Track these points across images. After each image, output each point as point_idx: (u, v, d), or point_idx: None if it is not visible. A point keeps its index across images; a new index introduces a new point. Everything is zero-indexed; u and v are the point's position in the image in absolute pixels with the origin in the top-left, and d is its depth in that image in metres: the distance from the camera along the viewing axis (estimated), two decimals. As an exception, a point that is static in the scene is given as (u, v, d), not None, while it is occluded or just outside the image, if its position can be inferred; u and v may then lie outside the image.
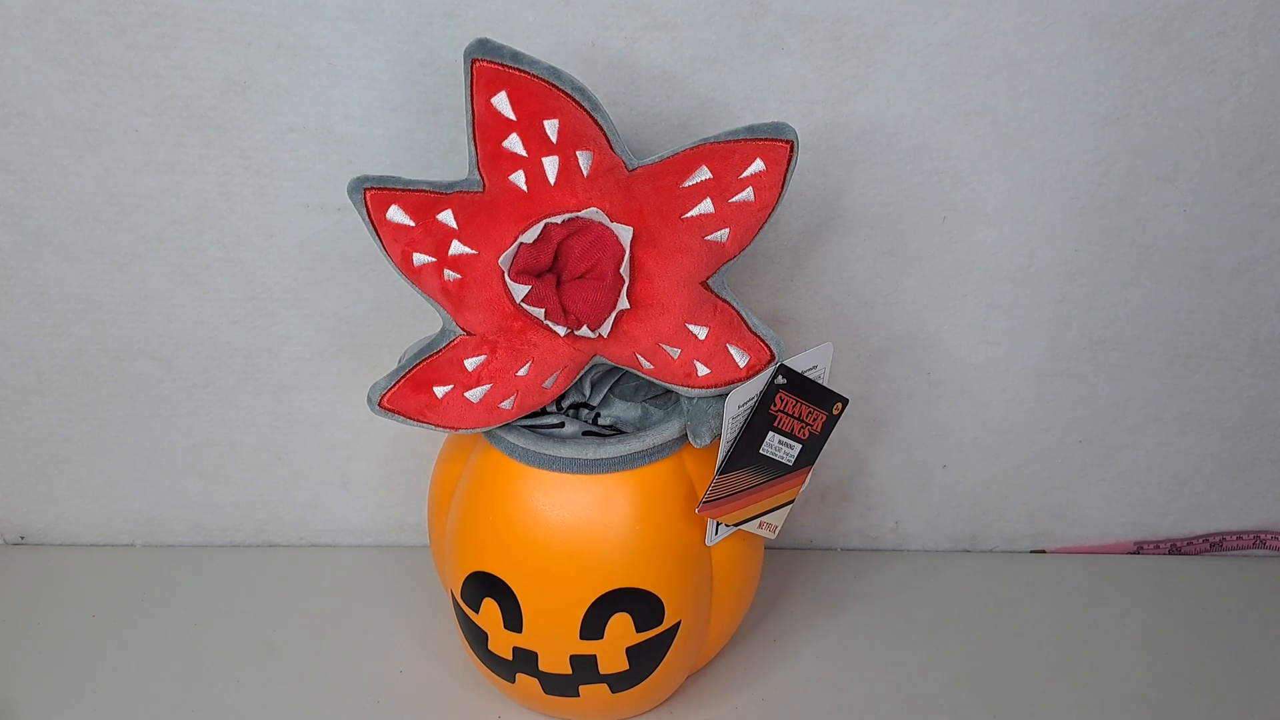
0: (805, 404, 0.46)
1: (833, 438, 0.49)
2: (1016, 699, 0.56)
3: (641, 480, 0.46)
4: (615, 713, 0.52)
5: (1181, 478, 0.65)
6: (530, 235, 0.41)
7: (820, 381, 0.46)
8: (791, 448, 0.47)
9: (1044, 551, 0.68)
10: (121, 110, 0.50)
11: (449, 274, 0.43)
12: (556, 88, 0.40)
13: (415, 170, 0.51)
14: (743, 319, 0.45)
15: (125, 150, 0.51)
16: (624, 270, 0.42)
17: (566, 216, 0.42)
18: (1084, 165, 0.53)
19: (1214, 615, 0.62)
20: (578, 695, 0.49)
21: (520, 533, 0.46)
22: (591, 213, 0.42)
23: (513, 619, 0.47)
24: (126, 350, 0.58)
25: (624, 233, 0.42)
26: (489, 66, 0.39)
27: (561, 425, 0.48)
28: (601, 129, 0.41)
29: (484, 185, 0.41)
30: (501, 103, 0.40)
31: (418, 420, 0.46)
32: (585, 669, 0.48)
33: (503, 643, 0.48)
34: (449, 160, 0.52)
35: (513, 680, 0.50)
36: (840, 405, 0.47)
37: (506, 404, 0.46)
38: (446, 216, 0.42)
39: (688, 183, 0.42)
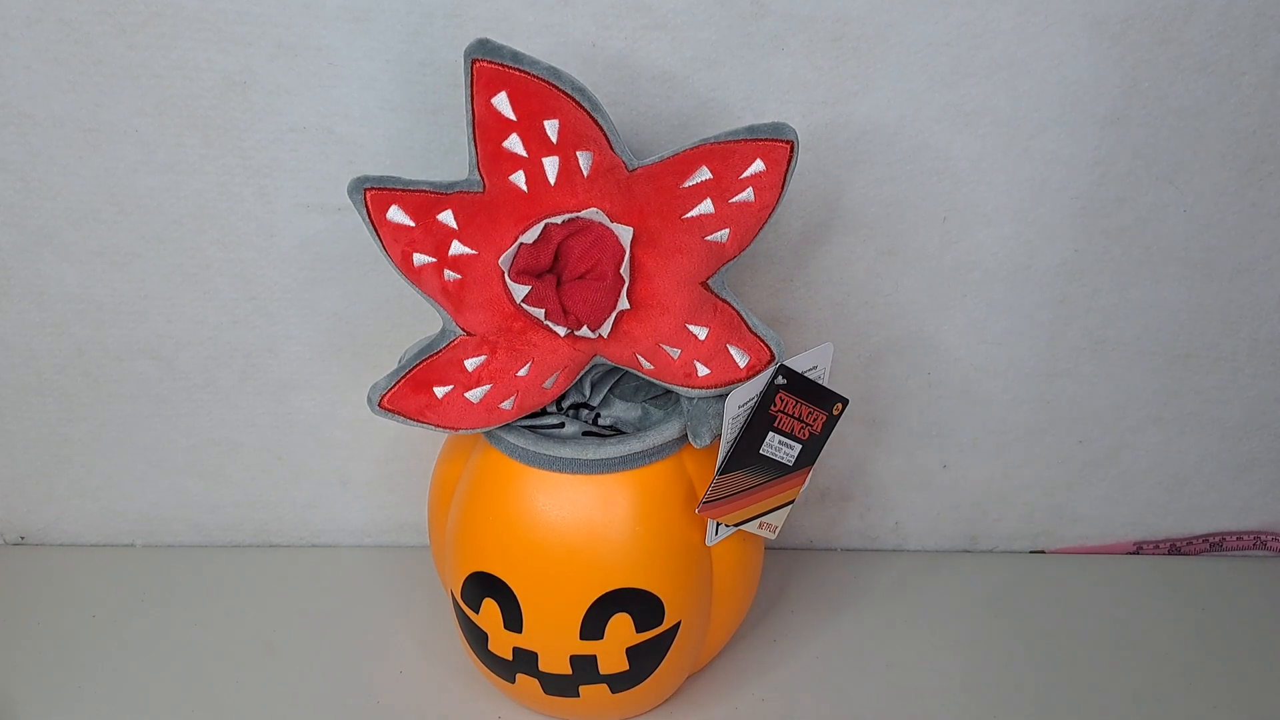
0: (805, 404, 0.46)
1: (833, 438, 0.49)
2: (1016, 699, 0.56)
3: (641, 480, 0.46)
4: (615, 713, 0.52)
5: (1181, 478, 0.65)
6: (530, 235, 0.41)
7: (820, 382, 0.46)
8: (791, 448, 0.47)
9: (1044, 552, 0.68)
10: (121, 110, 0.50)
11: (449, 274, 0.43)
12: (556, 88, 0.40)
13: (415, 170, 0.51)
14: (743, 319, 0.45)
15: (125, 150, 0.51)
16: (624, 270, 0.42)
17: (566, 217, 0.42)
18: (1084, 165, 0.53)
19: (1214, 615, 0.62)
20: (578, 695, 0.49)
21: (520, 533, 0.46)
22: (591, 213, 0.42)
23: (513, 619, 0.47)
24: (126, 350, 0.58)
25: (624, 233, 0.42)
26: (489, 67, 0.39)
27: (561, 425, 0.48)
28: (601, 129, 0.41)
29: (484, 185, 0.41)
30: (502, 103, 0.40)
31: (418, 420, 0.46)
32: (585, 669, 0.48)
33: (503, 643, 0.48)
34: (449, 160, 0.52)
35: (513, 680, 0.50)
36: (840, 405, 0.47)
37: (506, 404, 0.46)
38: (446, 217, 0.42)
39: (688, 183, 0.42)
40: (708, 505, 0.46)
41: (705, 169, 0.41)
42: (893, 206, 0.54)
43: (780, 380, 0.45)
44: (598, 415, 0.49)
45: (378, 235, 0.42)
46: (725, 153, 0.41)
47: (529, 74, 0.39)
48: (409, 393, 0.45)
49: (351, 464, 0.63)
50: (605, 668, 0.48)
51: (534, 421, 0.48)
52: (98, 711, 0.54)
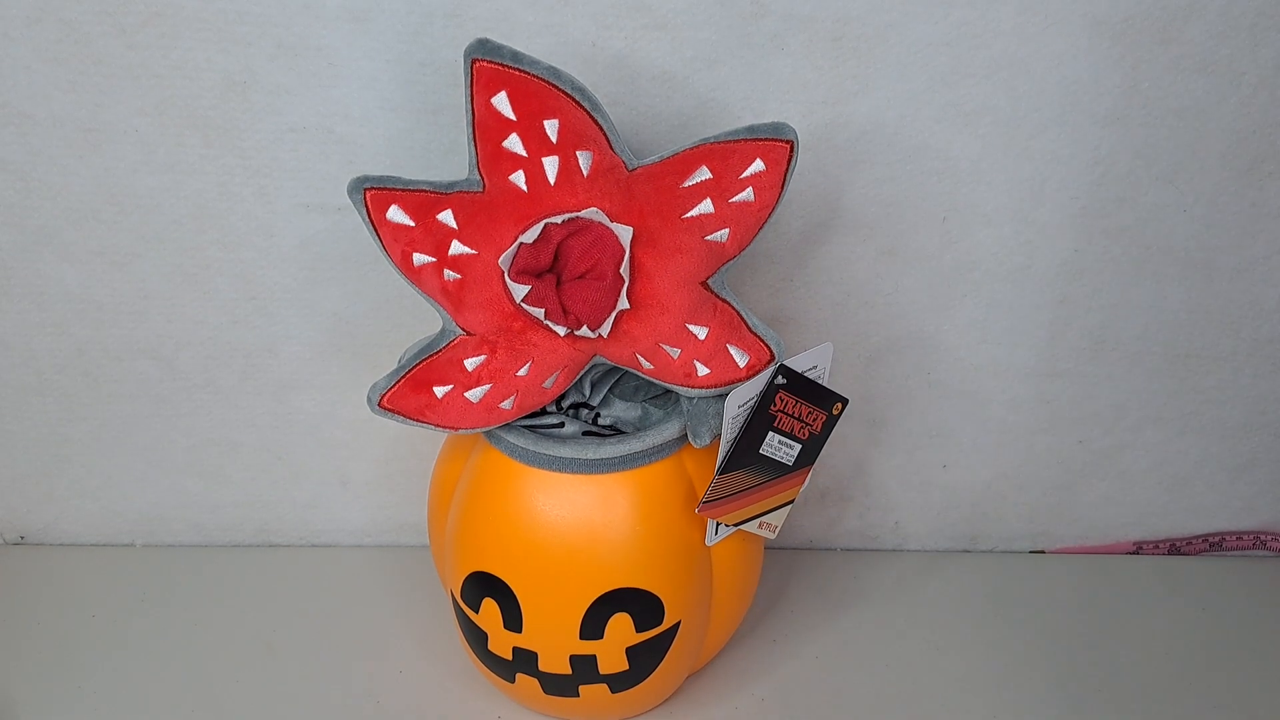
0: (805, 404, 0.46)
1: (833, 438, 0.49)
2: (1016, 699, 0.56)
3: (641, 480, 0.46)
4: (615, 713, 0.52)
5: (1181, 478, 0.65)
6: (530, 235, 0.41)
7: (820, 381, 0.46)
8: (791, 448, 0.47)
9: (1044, 552, 0.68)
10: (121, 110, 0.50)
11: (449, 274, 0.43)
12: (556, 88, 0.40)
13: (415, 170, 0.51)
14: (743, 319, 0.45)
15: (125, 150, 0.51)
16: (624, 270, 0.42)
17: (566, 216, 0.42)
18: (1084, 165, 0.53)
19: (1214, 615, 0.62)
20: (577, 695, 0.49)
21: (520, 533, 0.46)
22: (591, 213, 0.42)
23: (513, 619, 0.47)
24: (126, 350, 0.58)
25: (624, 233, 0.42)
26: (489, 66, 0.39)
27: (561, 425, 0.48)
28: (601, 129, 0.41)
29: (484, 185, 0.41)
30: (501, 103, 0.40)
31: (418, 420, 0.46)
32: (585, 669, 0.48)
33: (503, 643, 0.48)
34: (449, 160, 0.52)
35: (512, 680, 0.50)
36: (840, 405, 0.47)
37: (506, 404, 0.46)
38: (446, 216, 0.42)
39: (688, 183, 0.42)
40: (707, 505, 0.46)
41: (705, 169, 0.41)
42: (893, 206, 0.54)
43: (780, 380, 0.45)
44: (598, 415, 0.49)
45: (378, 235, 0.42)
46: (725, 152, 0.41)
47: (529, 74, 0.39)
48: (409, 392, 0.45)
49: (351, 464, 0.63)
50: (605, 667, 0.48)
51: (534, 421, 0.48)
52: (98, 711, 0.54)
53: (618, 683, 0.49)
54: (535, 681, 0.49)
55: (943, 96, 0.50)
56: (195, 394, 0.60)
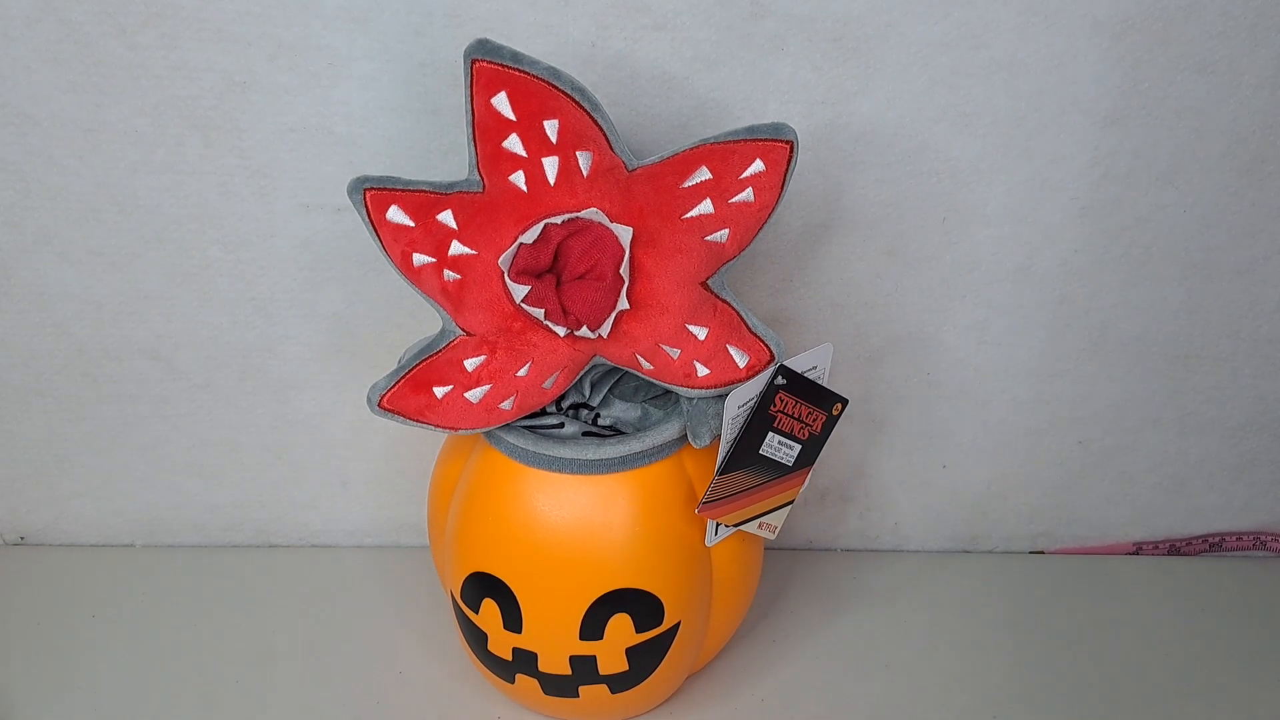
0: (805, 404, 0.46)
1: (832, 438, 0.49)
2: (1016, 699, 0.56)
3: (641, 481, 0.46)
4: (615, 713, 0.52)
5: (1181, 478, 0.65)
6: (530, 235, 0.41)
7: (820, 382, 0.46)
8: (791, 448, 0.47)
9: (1044, 552, 0.68)
10: (121, 110, 0.50)
11: (449, 274, 0.43)
12: (556, 88, 0.40)
13: (415, 170, 0.51)
14: (742, 319, 0.45)
15: (125, 150, 0.51)
16: (624, 270, 0.42)
17: (566, 217, 0.42)
18: (1084, 165, 0.53)
19: (1214, 615, 0.62)
20: (577, 696, 0.49)
21: (520, 533, 0.46)
22: (591, 213, 0.42)
23: (512, 619, 0.47)
24: (126, 350, 0.58)
25: (624, 233, 0.42)
26: (489, 67, 0.39)
27: (561, 426, 0.48)
28: (601, 129, 0.41)
29: (484, 185, 0.41)
30: (501, 103, 0.40)
31: (417, 421, 0.46)
32: (585, 670, 0.48)
33: (502, 643, 0.48)
34: (449, 160, 0.52)
35: (512, 681, 0.50)
36: (840, 406, 0.47)
37: (506, 404, 0.46)
38: (446, 217, 0.42)
39: (687, 183, 0.42)
40: (707, 505, 0.46)
41: (705, 169, 0.41)
42: (893, 207, 0.54)
43: (780, 380, 0.45)
44: (597, 415, 0.49)
45: (377, 235, 0.42)
46: (725, 153, 0.41)
47: (529, 74, 0.39)
48: (409, 393, 0.45)
49: (351, 464, 0.63)
50: (605, 668, 0.48)
51: (534, 422, 0.48)
52: (98, 711, 0.54)
53: (618, 683, 0.49)
54: (535, 682, 0.49)
55: (943, 96, 0.50)
56: (195, 394, 0.60)
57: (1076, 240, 0.55)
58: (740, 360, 0.46)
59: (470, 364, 0.45)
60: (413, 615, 0.61)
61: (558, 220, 0.41)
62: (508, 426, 0.47)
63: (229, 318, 0.57)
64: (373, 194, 0.41)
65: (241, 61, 0.49)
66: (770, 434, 0.46)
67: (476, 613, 0.48)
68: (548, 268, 0.42)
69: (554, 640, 0.47)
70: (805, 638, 0.60)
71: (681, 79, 0.49)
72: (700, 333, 0.45)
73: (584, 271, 0.42)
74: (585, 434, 0.48)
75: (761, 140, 0.41)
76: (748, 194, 0.42)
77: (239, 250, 0.55)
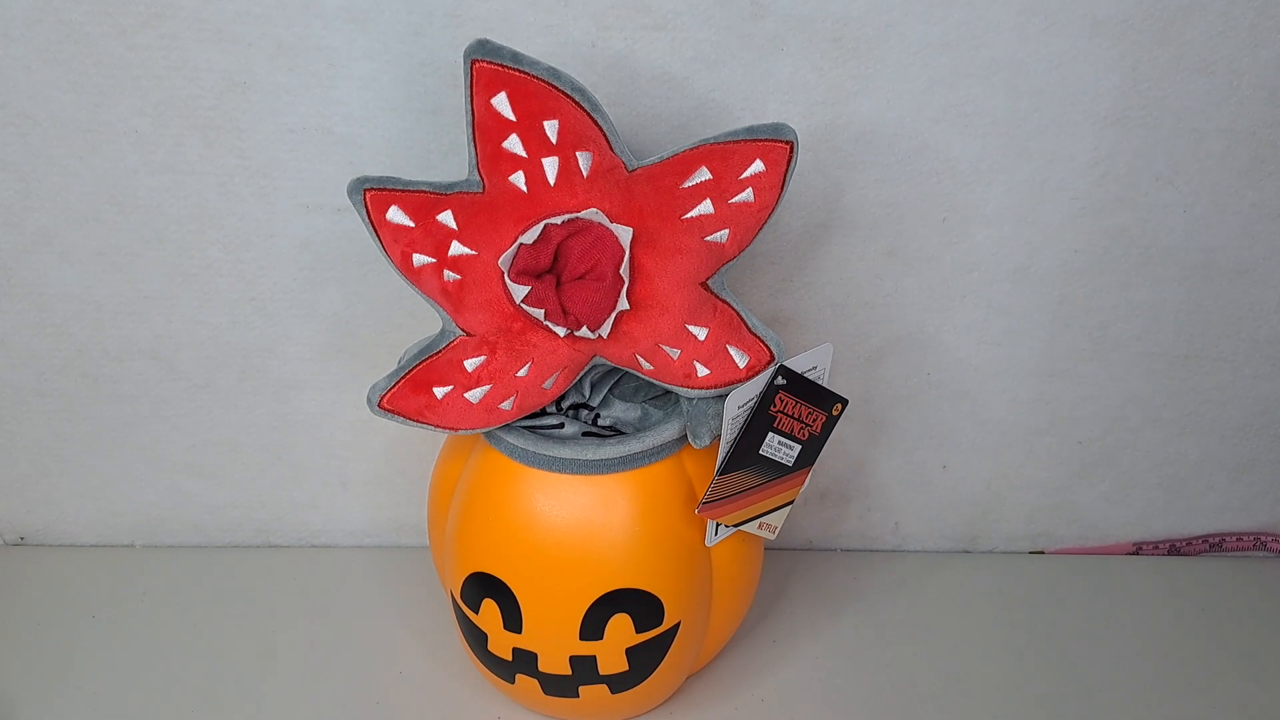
0: (805, 405, 0.46)
1: (832, 438, 0.49)
2: (1016, 699, 0.56)
3: (641, 481, 0.46)
4: (615, 713, 0.52)
5: (1181, 478, 0.65)
6: (530, 236, 0.41)
7: (820, 382, 0.46)
8: (791, 448, 0.47)
9: (1044, 552, 0.68)
10: (121, 110, 0.50)
11: (449, 275, 0.43)
12: (556, 88, 0.40)
13: (415, 171, 0.51)
14: (742, 320, 0.45)
15: (125, 150, 0.51)
16: (624, 271, 0.42)
17: (566, 217, 0.42)
18: (1084, 165, 0.53)
19: (1214, 615, 0.62)
20: (577, 696, 0.49)
21: (520, 533, 0.46)
22: (591, 213, 0.42)
23: (512, 620, 0.47)
24: (126, 350, 0.58)
25: (624, 233, 0.42)
26: (489, 67, 0.39)
27: (561, 426, 0.48)
28: (601, 130, 0.41)
29: (484, 186, 0.41)
30: (501, 103, 0.40)
31: (417, 421, 0.46)
32: (585, 670, 0.48)
33: (502, 643, 0.48)
34: (449, 161, 0.52)
35: (512, 681, 0.50)
36: (840, 406, 0.47)
37: (506, 405, 0.46)
38: (446, 217, 0.42)
39: (687, 183, 0.42)
40: (707, 506, 0.46)
41: (705, 169, 0.41)
42: (893, 207, 0.54)
43: (780, 380, 0.45)
44: (597, 416, 0.49)
45: (377, 236, 0.42)
46: (725, 153, 0.41)
47: (528, 74, 0.39)
48: (409, 393, 0.45)
49: (351, 464, 0.63)
50: (605, 668, 0.48)
51: (534, 422, 0.48)
52: (98, 712, 0.54)
53: (618, 683, 0.49)
54: (535, 682, 0.49)
55: (943, 97, 0.50)
56: (195, 394, 0.60)
57: (1076, 240, 0.55)
58: (740, 360, 0.46)
59: (470, 364, 0.45)
60: (413, 615, 0.61)
61: (558, 220, 0.41)
62: (508, 427, 0.47)
63: (229, 318, 0.57)
64: (373, 194, 0.41)
65: (241, 61, 0.49)
66: (770, 434, 0.46)
67: (476, 613, 0.48)
68: (548, 268, 0.42)
69: (554, 640, 0.47)
70: (805, 638, 0.60)
71: (681, 79, 0.49)
72: (700, 333, 0.45)
73: (584, 272, 0.42)
74: (585, 434, 0.48)
75: (761, 140, 0.41)
76: (748, 194, 0.42)
77: (239, 250, 0.55)
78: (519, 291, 0.42)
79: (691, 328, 0.45)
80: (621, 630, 0.47)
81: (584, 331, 0.44)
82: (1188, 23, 0.49)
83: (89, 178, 0.52)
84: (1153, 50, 0.50)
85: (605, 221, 0.42)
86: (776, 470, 0.48)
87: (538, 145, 0.40)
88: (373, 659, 0.58)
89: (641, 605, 0.46)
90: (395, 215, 0.42)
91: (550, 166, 0.41)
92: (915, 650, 0.59)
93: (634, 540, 0.46)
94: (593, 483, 0.46)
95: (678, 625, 0.48)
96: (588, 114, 0.40)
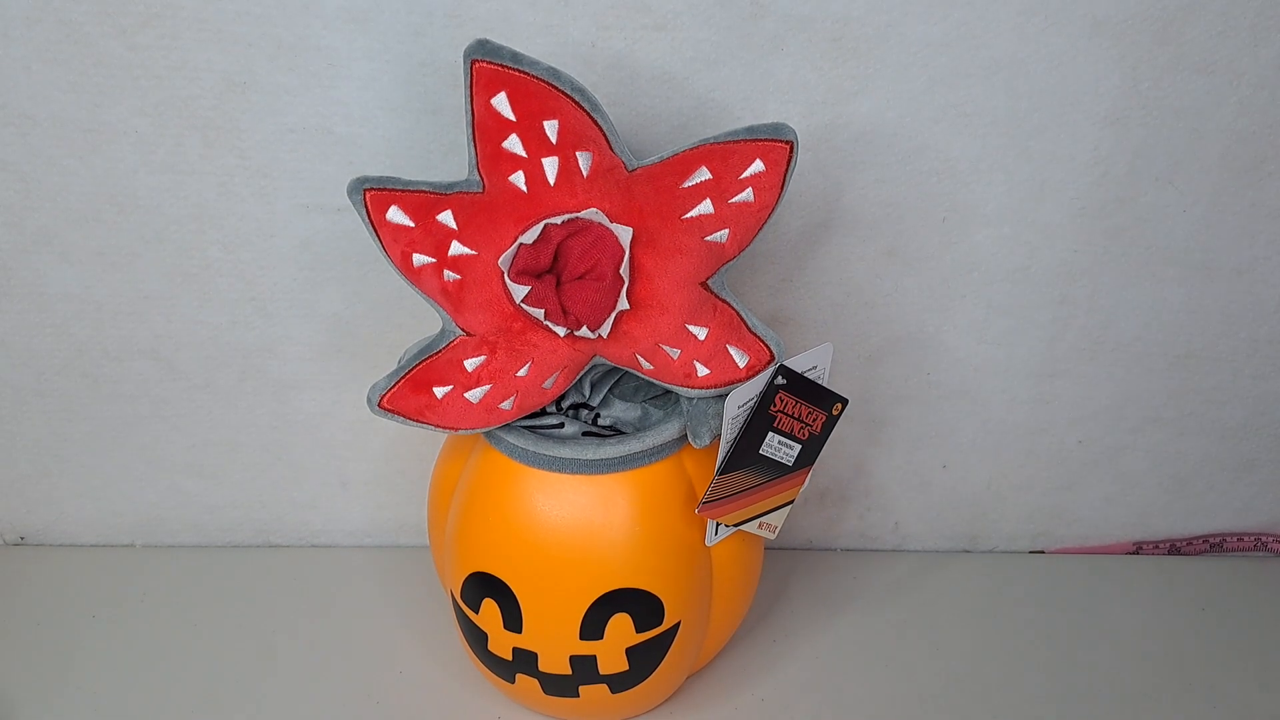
0: (805, 404, 0.46)
1: (832, 438, 0.49)
2: (1016, 699, 0.56)
3: (641, 481, 0.46)
4: (615, 713, 0.52)
5: (1181, 478, 0.65)
6: (530, 236, 0.41)
7: (820, 382, 0.46)
8: (791, 448, 0.47)
9: (1044, 552, 0.68)
10: (121, 110, 0.50)
11: (449, 274, 0.43)
12: (556, 88, 0.40)
13: (415, 171, 0.51)
14: (742, 319, 0.45)
15: (125, 150, 0.51)
16: (624, 271, 0.42)
17: (566, 217, 0.42)
18: (1083, 165, 0.53)
19: (1214, 615, 0.62)
20: (577, 696, 0.49)
21: (520, 533, 0.46)
22: (591, 213, 0.42)
23: (512, 619, 0.47)
24: (126, 351, 0.58)
25: (624, 233, 0.42)
26: (489, 67, 0.39)
27: (561, 426, 0.48)
28: (601, 129, 0.41)
29: (484, 186, 0.41)
30: (501, 103, 0.40)
31: (417, 421, 0.46)
32: (585, 669, 0.48)
33: (502, 643, 0.48)
34: (449, 161, 0.52)
35: (512, 681, 0.50)
36: (840, 406, 0.47)
37: (506, 404, 0.46)
38: (446, 217, 0.42)
39: (687, 183, 0.42)
40: (707, 505, 0.46)
41: (705, 169, 0.41)
42: (893, 206, 0.54)
43: (780, 380, 0.45)
44: (597, 415, 0.49)
45: (377, 236, 0.42)
46: (725, 153, 0.41)
47: (528, 74, 0.39)
48: (409, 393, 0.45)
49: (351, 464, 0.63)
50: (605, 668, 0.48)
51: (534, 422, 0.48)
52: (98, 712, 0.54)
53: (618, 683, 0.49)
54: (535, 682, 0.49)
55: (943, 96, 0.50)
56: (195, 394, 0.60)
57: (1076, 240, 0.55)
58: (740, 360, 0.46)
59: (470, 364, 0.45)
60: (413, 615, 0.61)
61: (558, 220, 0.41)
62: (508, 426, 0.47)
63: (229, 318, 0.57)
64: (373, 194, 0.41)
65: (241, 61, 0.49)
66: (770, 434, 0.46)
67: (477, 613, 0.48)
68: (548, 268, 0.42)
69: (554, 640, 0.47)
70: (805, 638, 0.60)
71: (681, 79, 0.49)
72: (700, 333, 0.45)
73: (584, 272, 0.42)
74: (585, 434, 0.48)
75: (761, 140, 0.41)
76: (748, 194, 0.42)
77: (239, 250, 0.55)
78: (519, 291, 0.42)
79: (691, 327, 0.45)
80: (622, 630, 0.47)
81: (584, 331, 0.44)
82: (1188, 23, 0.49)
83: (89, 178, 0.52)
84: (1153, 50, 0.50)
85: (605, 221, 0.42)
86: (776, 470, 0.48)
87: (538, 145, 0.40)
88: (373, 659, 0.58)
89: (641, 605, 0.46)
90: (395, 215, 0.42)
91: (550, 166, 0.41)
92: (915, 650, 0.59)
93: (634, 540, 0.46)
94: (593, 482, 0.46)
95: (678, 625, 0.48)
96: (588, 114, 0.40)
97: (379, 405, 0.46)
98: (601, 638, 0.47)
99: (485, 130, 0.40)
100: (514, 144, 0.40)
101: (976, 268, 0.56)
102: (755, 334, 0.46)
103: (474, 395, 0.45)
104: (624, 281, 0.43)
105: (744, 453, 0.46)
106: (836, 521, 0.67)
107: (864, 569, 0.66)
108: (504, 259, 0.42)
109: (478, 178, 0.41)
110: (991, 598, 0.63)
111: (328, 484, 0.64)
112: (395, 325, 0.57)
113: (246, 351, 0.59)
